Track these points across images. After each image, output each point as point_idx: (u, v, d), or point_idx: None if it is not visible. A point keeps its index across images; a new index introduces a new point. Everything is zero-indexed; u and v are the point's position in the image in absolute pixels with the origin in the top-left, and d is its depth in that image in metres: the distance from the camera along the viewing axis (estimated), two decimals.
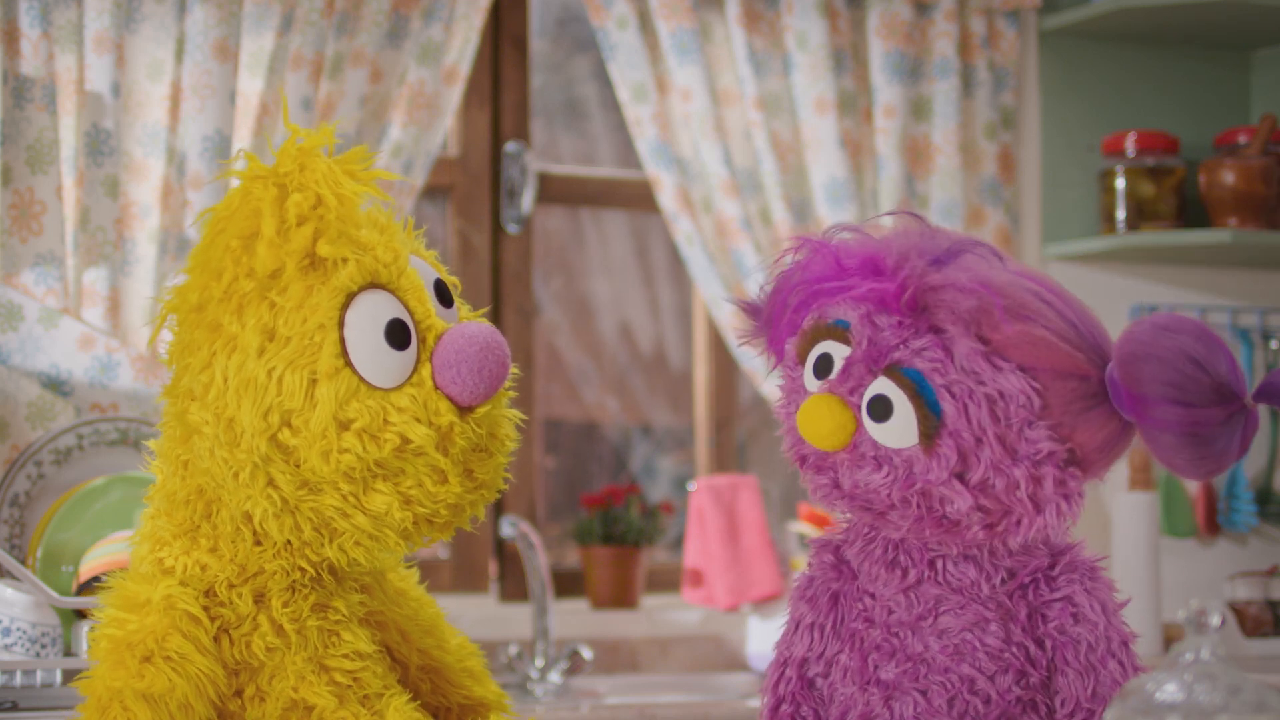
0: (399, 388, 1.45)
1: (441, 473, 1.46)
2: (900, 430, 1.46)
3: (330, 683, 1.52)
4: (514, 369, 1.51)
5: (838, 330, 1.50)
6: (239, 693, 1.52)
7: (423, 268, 1.51)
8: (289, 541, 1.49)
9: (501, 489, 1.53)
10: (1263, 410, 1.48)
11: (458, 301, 1.55)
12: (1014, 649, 1.53)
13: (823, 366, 1.51)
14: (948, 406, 1.45)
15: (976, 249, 1.51)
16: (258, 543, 1.51)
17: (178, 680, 1.46)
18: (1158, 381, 1.44)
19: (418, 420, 1.44)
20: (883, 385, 1.47)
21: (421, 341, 1.46)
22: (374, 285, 1.47)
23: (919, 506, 1.48)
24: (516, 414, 1.55)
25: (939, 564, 1.53)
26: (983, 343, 1.45)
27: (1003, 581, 1.53)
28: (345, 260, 1.46)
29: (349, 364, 1.44)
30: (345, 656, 1.53)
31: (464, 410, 1.47)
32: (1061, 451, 1.46)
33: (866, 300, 1.48)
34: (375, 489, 1.46)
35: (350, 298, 1.45)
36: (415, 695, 1.63)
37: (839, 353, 1.50)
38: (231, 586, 1.52)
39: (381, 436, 1.44)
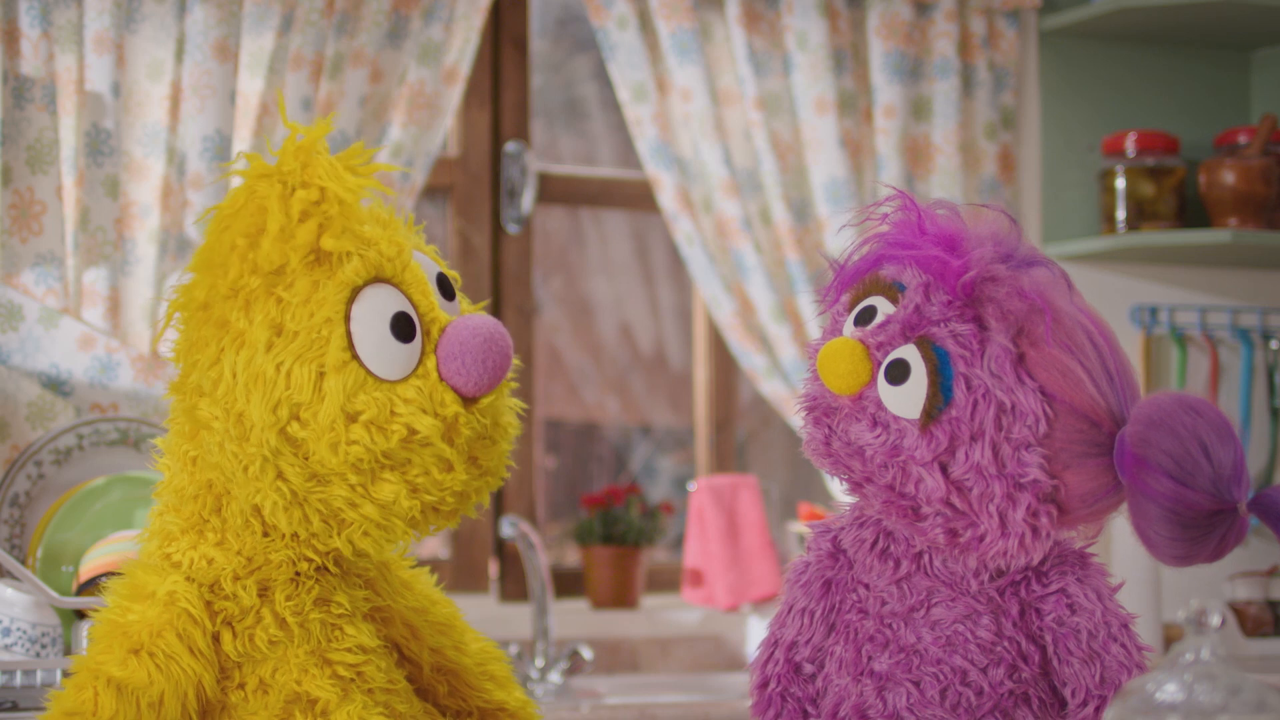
0: (405, 379, 1.47)
1: (447, 462, 1.48)
2: (908, 400, 1.47)
3: (333, 676, 1.52)
4: (515, 360, 1.53)
5: (893, 290, 1.52)
6: (241, 685, 1.52)
7: (425, 262, 1.53)
8: (297, 534, 1.50)
9: (505, 476, 1.55)
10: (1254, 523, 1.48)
11: (460, 296, 1.57)
12: (1006, 643, 1.53)
13: (864, 317, 1.53)
14: (959, 395, 1.46)
15: (1051, 267, 1.52)
16: (265, 534, 1.52)
17: (157, 677, 1.47)
18: (1162, 450, 1.44)
19: (424, 411, 1.46)
20: (909, 352, 1.48)
21: (426, 334, 1.48)
22: (379, 279, 1.48)
23: (895, 483, 1.49)
24: (518, 403, 1.57)
25: (925, 557, 1.54)
26: (1017, 351, 1.46)
27: (991, 578, 1.54)
28: (350, 255, 1.47)
29: (356, 357, 1.46)
30: (348, 650, 1.53)
31: (469, 400, 1.48)
32: (1046, 484, 1.46)
33: (930, 270, 1.50)
34: (383, 479, 1.47)
35: (356, 292, 1.47)
36: (432, 698, 1.64)
37: (884, 309, 1.51)
38: (237, 579, 1.52)
39: (389, 428, 1.45)
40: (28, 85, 2.66)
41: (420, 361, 1.47)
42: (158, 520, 1.57)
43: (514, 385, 1.56)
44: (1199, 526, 1.45)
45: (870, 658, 1.55)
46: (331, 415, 1.45)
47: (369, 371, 1.46)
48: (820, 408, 1.54)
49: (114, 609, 1.51)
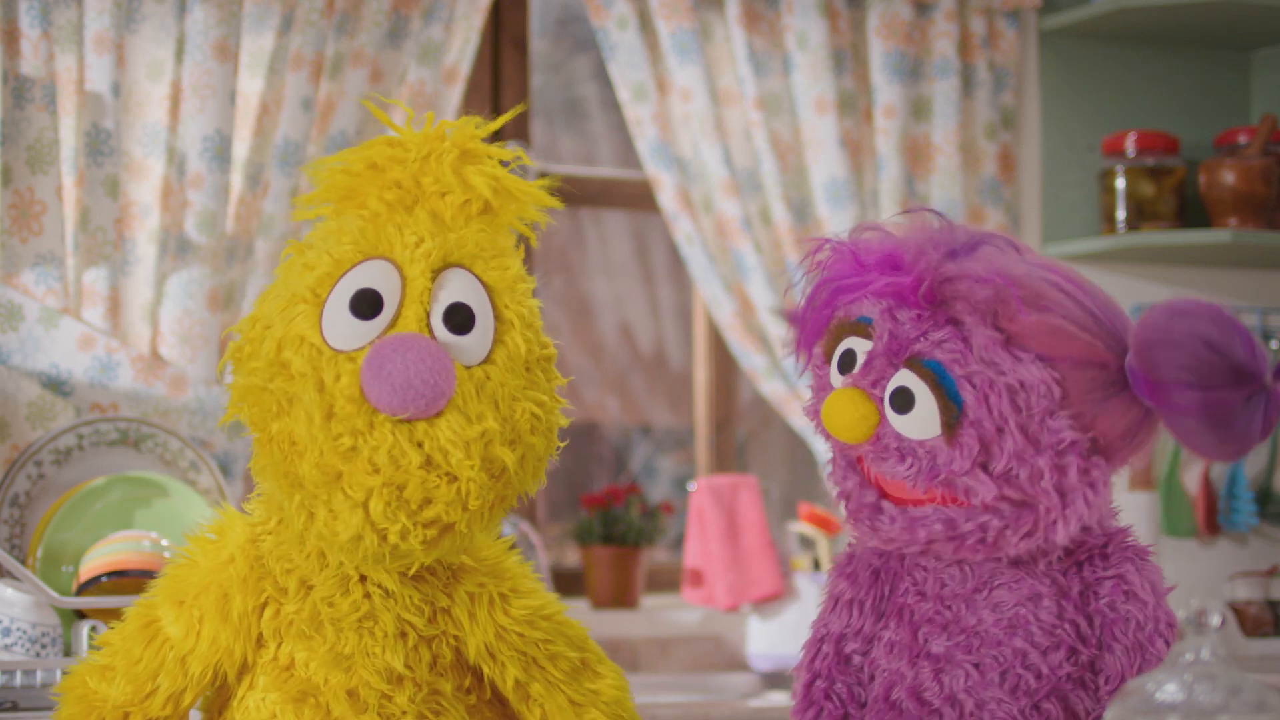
0: (337, 350, 1.47)
1: (326, 409, 1.45)
2: (922, 421, 1.48)
3: (353, 695, 1.52)
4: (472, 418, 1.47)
5: (861, 326, 1.52)
6: (275, 658, 1.55)
7: (456, 285, 1.51)
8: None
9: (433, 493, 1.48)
10: None
11: (489, 338, 1.52)
12: (1066, 625, 1.53)
13: (846, 362, 1.53)
14: (968, 396, 1.46)
15: (994, 241, 1.53)
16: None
17: (188, 640, 1.55)
18: (1173, 366, 1.44)
19: (313, 369, 1.46)
20: (904, 378, 1.48)
21: (389, 328, 1.48)
22: (388, 259, 1.49)
23: (948, 502, 1.48)
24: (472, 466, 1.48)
25: None
26: (1001, 333, 1.47)
27: (1059, 559, 1.54)
28: (412, 236, 1.49)
29: (321, 302, 1.48)
30: (376, 673, 1.53)
31: (375, 408, 1.46)
32: (1084, 441, 1.47)
33: (886, 295, 1.50)
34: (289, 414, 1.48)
35: (366, 258, 1.49)
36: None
37: (862, 348, 1.52)
38: (287, 572, 1.55)
39: (280, 355, 1.47)
40: (28, 85, 2.66)
41: (363, 348, 1.47)
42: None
43: (484, 430, 1.49)
44: (1238, 418, 1.45)
45: (927, 639, 1.55)
46: (276, 337, 1.49)
47: (320, 320, 1.48)
48: (854, 496, 1.53)
49: (196, 544, 1.59)
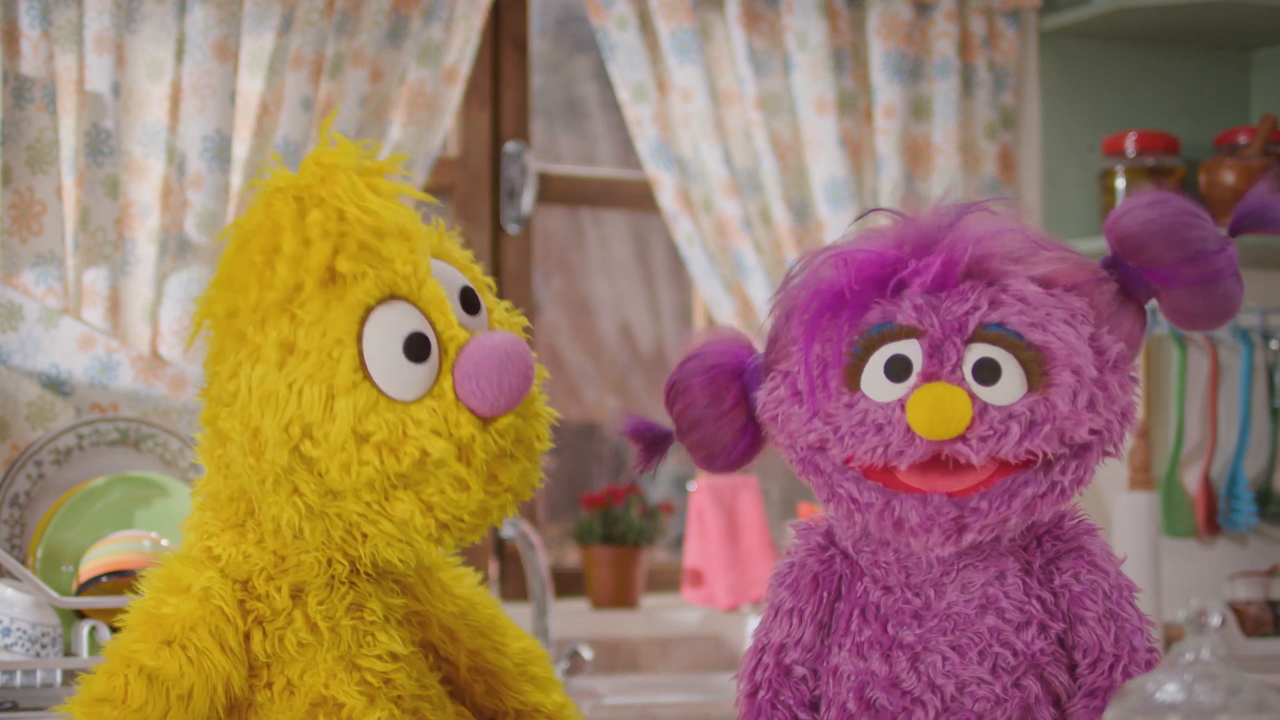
0: (419, 400, 1.45)
1: (463, 481, 1.46)
2: (1012, 384, 1.46)
3: (361, 682, 1.52)
4: (541, 372, 1.52)
5: (888, 333, 1.49)
6: (269, 684, 1.53)
7: (448, 275, 1.51)
8: (323, 542, 1.51)
9: (529, 494, 1.53)
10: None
11: (492, 303, 1.54)
12: (1034, 601, 1.53)
13: (898, 368, 1.49)
14: (1043, 340, 1.47)
15: (974, 206, 1.55)
16: (297, 537, 1.52)
17: (188, 671, 1.49)
18: (1176, 244, 1.52)
19: (436, 434, 1.44)
20: (978, 351, 1.47)
21: (444, 353, 1.46)
22: (394, 297, 1.46)
23: (1059, 444, 1.47)
24: (552, 412, 1.55)
25: None
26: (1032, 278, 1.51)
27: (1020, 535, 1.54)
28: (363, 274, 1.45)
29: (368, 377, 1.44)
30: (378, 657, 1.53)
31: (487, 421, 1.46)
32: (1125, 349, 1.51)
33: (935, 279, 1.49)
34: (397, 497, 1.46)
35: (369, 311, 1.45)
36: (468, 698, 1.64)
37: (908, 348, 1.49)
38: (270, 579, 1.53)
39: (401, 449, 1.44)
40: (28, 85, 2.66)
41: (436, 382, 1.45)
42: (198, 514, 1.58)
43: (543, 401, 1.54)
44: (1226, 278, 1.58)
45: (898, 630, 1.54)
46: (342, 436, 1.43)
47: (381, 392, 1.44)
48: (919, 524, 1.49)
49: (150, 599, 1.52)
